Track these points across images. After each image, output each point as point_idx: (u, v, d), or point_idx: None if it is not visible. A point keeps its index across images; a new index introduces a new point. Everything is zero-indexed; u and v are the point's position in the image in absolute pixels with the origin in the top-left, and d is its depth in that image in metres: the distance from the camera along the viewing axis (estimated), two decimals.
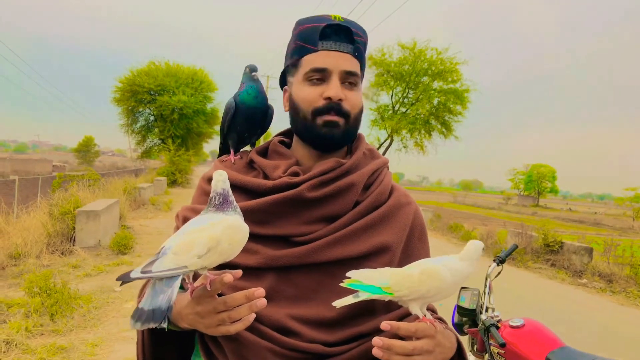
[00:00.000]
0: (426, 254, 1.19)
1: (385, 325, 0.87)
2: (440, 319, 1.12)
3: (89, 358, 3.77)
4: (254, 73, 1.24)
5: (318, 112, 1.08)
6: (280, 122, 1.32)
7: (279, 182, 1.08)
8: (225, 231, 0.83)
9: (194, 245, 0.80)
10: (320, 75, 1.08)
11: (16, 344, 3.78)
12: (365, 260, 1.08)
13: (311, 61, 1.08)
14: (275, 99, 1.30)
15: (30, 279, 4.71)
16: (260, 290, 0.86)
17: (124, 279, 0.77)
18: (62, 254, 7.16)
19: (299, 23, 1.13)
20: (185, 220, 1.12)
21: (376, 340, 0.86)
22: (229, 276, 0.82)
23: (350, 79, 1.10)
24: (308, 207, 1.07)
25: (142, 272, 0.77)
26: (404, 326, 0.88)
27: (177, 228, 1.14)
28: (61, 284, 4.75)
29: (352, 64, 1.10)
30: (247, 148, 1.32)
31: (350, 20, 1.12)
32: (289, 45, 1.16)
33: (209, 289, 0.84)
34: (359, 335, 1.03)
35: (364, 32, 1.13)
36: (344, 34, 1.09)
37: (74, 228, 7.70)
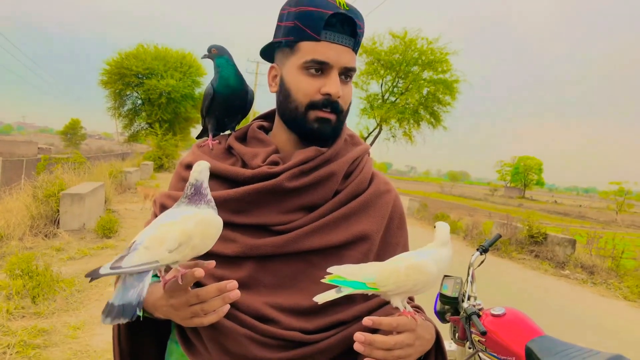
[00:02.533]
0: (405, 242, 1.18)
1: (367, 321, 0.86)
2: (419, 308, 1.13)
3: (70, 341, 3.75)
4: (205, 53, 1.22)
5: (313, 105, 1.05)
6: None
7: (257, 172, 1.06)
8: (197, 226, 0.82)
9: (165, 240, 0.79)
10: (319, 67, 1.04)
11: None
12: (345, 249, 1.07)
13: (311, 50, 1.02)
14: (265, 85, 1.26)
15: (12, 261, 4.66)
16: (232, 283, 0.85)
17: (93, 275, 0.76)
18: (45, 236, 7.10)
19: (300, 1, 1.04)
20: (162, 206, 1.11)
21: (358, 335, 0.86)
22: (200, 270, 0.81)
23: (347, 74, 1.07)
24: (287, 196, 1.06)
25: (112, 268, 0.75)
26: (385, 321, 0.88)
27: (155, 214, 1.13)
28: (44, 267, 4.71)
29: (351, 59, 1.06)
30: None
31: (353, 7, 1.06)
32: (283, 17, 1.08)
33: (180, 282, 0.83)
34: (337, 323, 1.03)
35: (363, 21, 1.08)
36: (348, 25, 1.04)
37: (58, 211, 7.63)
